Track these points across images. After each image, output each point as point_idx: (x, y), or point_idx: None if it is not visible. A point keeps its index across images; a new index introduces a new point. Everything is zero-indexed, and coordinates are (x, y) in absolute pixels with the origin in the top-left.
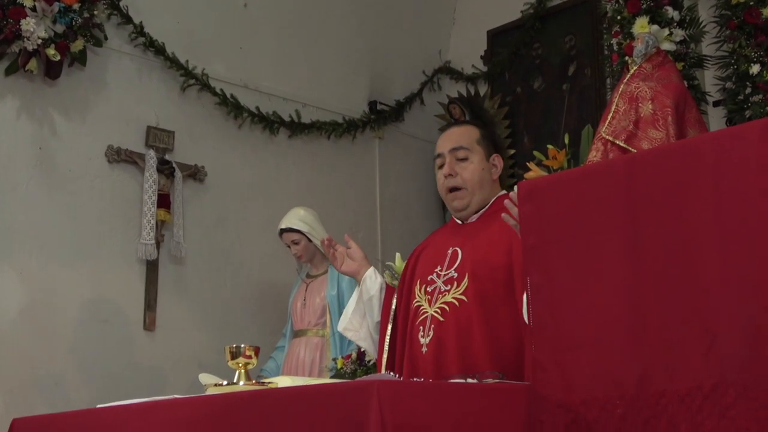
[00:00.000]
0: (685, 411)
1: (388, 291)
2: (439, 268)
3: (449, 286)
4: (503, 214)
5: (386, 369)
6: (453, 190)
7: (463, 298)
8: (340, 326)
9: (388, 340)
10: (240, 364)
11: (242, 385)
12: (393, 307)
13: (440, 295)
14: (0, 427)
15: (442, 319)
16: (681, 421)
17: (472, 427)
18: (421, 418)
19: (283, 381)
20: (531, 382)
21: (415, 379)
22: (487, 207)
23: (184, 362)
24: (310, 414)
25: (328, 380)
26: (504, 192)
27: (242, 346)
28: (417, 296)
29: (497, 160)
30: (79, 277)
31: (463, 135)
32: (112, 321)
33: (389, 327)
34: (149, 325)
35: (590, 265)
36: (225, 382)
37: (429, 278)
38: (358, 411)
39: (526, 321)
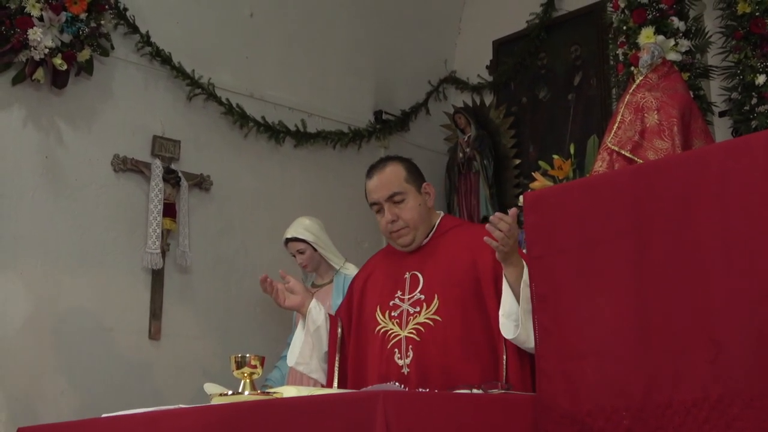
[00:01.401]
0: (691, 422)
1: (332, 320)
2: (400, 293)
3: (418, 308)
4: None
5: None
6: (396, 230)
7: (437, 317)
8: (290, 362)
9: (337, 369)
10: (245, 374)
11: (247, 395)
12: (339, 335)
13: (411, 318)
14: None
15: (418, 339)
16: None
17: None
18: (427, 429)
19: (288, 391)
20: (537, 393)
21: (420, 390)
22: (434, 230)
23: (188, 371)
24: (316, 424)
25: (333, 390)
26: (443, 213)
27: (247, 355)
28: (381, 322)
29: (429, 188)
30: (84, 285)
31: (392, 180)
32: (117, 330)
33: (337, 356)
34: (154, 333)
35: (596, 274)
36: (230, 392)
37: (391, 303)
38: (364, 421)
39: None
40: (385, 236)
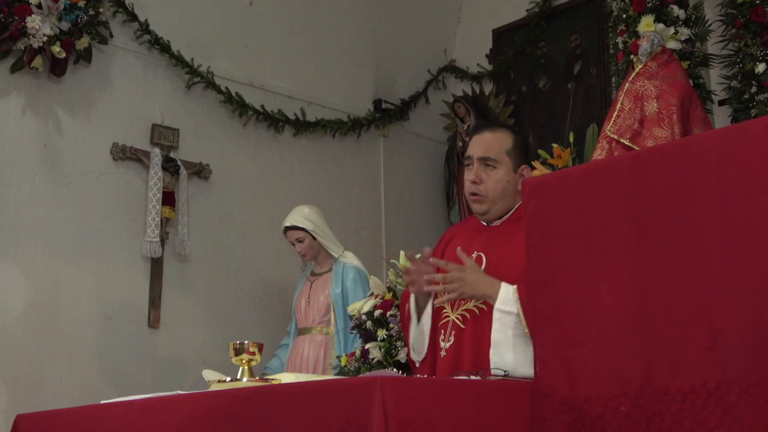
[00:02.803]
0: (689, 408)
1: (405, 296)
2: None
3: None
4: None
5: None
6: (475, 194)
7: (483, 307)
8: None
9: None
10: (243, 361)
11: (245, 382)
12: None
13: (462, 302)
14: (4, 423)
15: (462, 326)
16: (685, 418)
17: (475, 424)
18: (425, 415)
19: (286, 377)
20: (535, 379)
21: (417, 376)
22: (510, 213)
23: (188, 359)
24: (314, 410)
25: (331, 377)
26: None
27: (246, 342)
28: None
29: (525, 171)
30: (84, 274)
31: (494, 144)
32: (116, 318)
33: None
34: (154, 322)
35: (594, 261)
36: (228, 379)
37: None
38: (362, 407)
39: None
40: (466, 197)
